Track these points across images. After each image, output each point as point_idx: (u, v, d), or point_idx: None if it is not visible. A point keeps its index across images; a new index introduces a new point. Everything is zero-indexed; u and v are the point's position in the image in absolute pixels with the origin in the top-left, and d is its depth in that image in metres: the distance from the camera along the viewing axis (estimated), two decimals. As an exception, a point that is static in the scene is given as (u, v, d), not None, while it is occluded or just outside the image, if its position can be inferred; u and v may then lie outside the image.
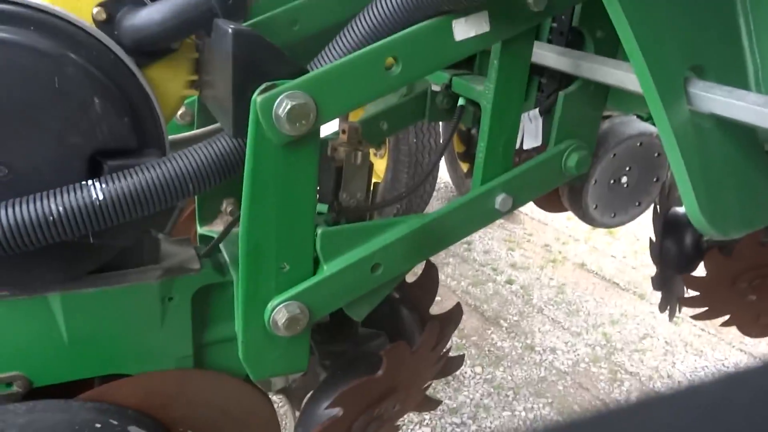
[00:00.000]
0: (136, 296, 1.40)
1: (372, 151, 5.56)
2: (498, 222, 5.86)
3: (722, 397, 0.31)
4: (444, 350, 1.85)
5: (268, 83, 1.14)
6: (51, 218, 1.12)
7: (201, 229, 1.77)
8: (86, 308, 1.37)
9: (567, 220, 5.85)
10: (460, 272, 4.86)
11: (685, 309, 2.42)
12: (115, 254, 1.37)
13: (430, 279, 1.90)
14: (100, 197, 1.15)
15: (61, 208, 1.13)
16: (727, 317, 2.34)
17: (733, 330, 2.42)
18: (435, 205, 5.55)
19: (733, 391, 0.31)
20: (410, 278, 1.82)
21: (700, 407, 0.30)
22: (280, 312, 1.28)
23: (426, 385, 1.89)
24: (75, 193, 1.14)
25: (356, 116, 2.28)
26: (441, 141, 4.64)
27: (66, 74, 1.15)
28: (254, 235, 1.24)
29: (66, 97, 1.16)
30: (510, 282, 4.77)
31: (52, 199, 1.13)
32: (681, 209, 2.30)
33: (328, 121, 1.19)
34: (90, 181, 1.17)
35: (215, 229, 1.74)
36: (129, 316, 1.41)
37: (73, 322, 1.36)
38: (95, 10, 1.28)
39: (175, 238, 1.59)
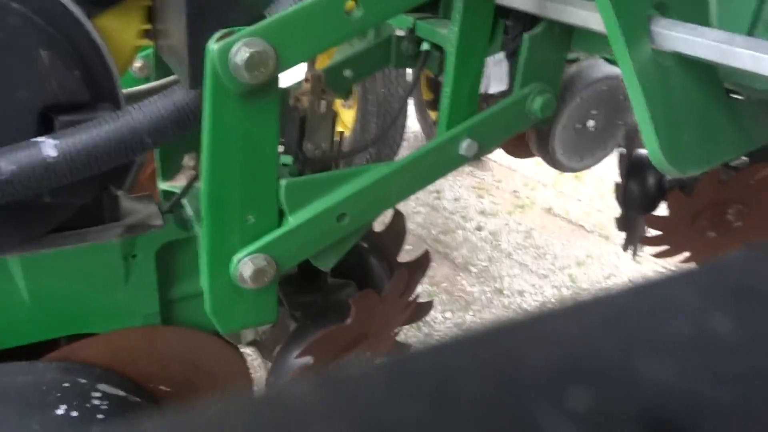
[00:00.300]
0: (97, 255, 1.37)
1: (340, 101, 5.49)
2: (467, 169, 5.89)
3: (625, 307, 0.31)
4: (413, 296, 1.87)
5: (225, 30, 1.09)
6: (2, 177, 1.07)
7: (163, 185, 1.73)
8: (47, 269, 1.34)
9: (536, 165, 5.89)
10: (431, 221, 4.89)
11: (648, 248, 2.48)
12: (73, 213, 1.33)
13: (398, 227, 1.90)
14: (53, 154, 1.10)
15: (12, 167, 1.08)
16: (687, 254, 2.42)
17: (693, 266, 2.50)
18: (404, 153, 5.52)
19: (636, 301, 0.32)
20: (378, 227, 1.83)
21: (600, 318, 0.30)
22: (246, 264, 1.27)
23: (396, 331, 1.93)
24: (26, 150, 1.10)
25: (324, 63, 2.22)
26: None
27: (9, 25, 1.08)
28: (216, 188, 1.22)
29: (10, 49, 1.09)
30: (479, 229, 4.82)
31: (2, 158, 1.08)
32: (645, 151, 2.34)
33: (288, 69, 1.15)
34: (42, 138, 1.12)
35: (178, 184, 1.71)
36: (92, 276, 1.39)
37: (33, 283, 1.33)
38: (36, -45, 1.20)
39: (137, 194, 1.55)
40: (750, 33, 1.06)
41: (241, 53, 1.07)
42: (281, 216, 1.33)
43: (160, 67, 1.61)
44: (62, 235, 1.35)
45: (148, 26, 1.34)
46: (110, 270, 1.40)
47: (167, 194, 1.71)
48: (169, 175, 1.76)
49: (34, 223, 1.29)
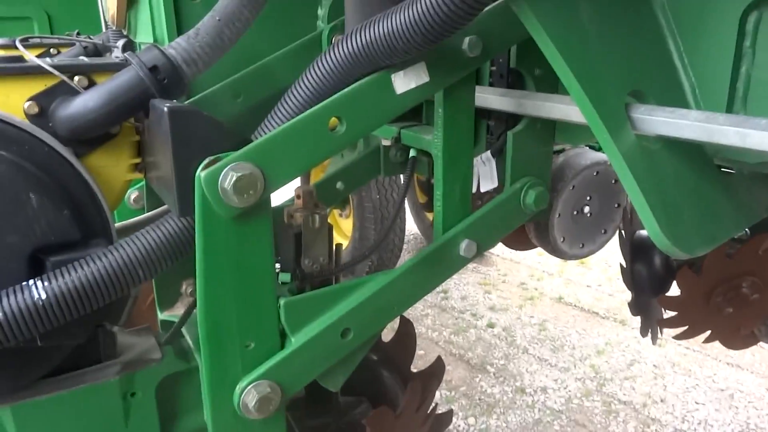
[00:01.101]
0: (95, 397, 1.31)
1: (337, 211, 5.54)
2: (471, 266, 5.85)
3: None
4: (430, 408, 1.77)
5: (212, 157, 1.11)
6: (-11, 326, 1.04)
7: (162, 315, 1.69)
8: (41, 417, 1.27)
9: (538, 255, 5.87)
10: (440, 322, 4.79)
11: (666, 329, 2.40)
12: (68, 354, 1.29)
13: (407, 335, 1.84)
14: (43, 296, 1.08)
15: (0, 314, 1.05)
16: (708, 333, 2.32)
17: (717, 344, 2.40)
18: (406, 257, 5.52)
19: None
20: (387, 336, 1.77)
21: None
22: (249, 393, 1.21)
23: (417, 448, 1.81)
24: (15, 295, 1.07)
25: (319, 176, 2.26)
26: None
27: (-2, 173, 1.10)
28: (213, 315, 1.18)
29: (-1, 196, 1.10)
30: (491, 325, 4.71)
31: (-11, 306, 1.06)
32: (645, 232, 2.31)
33: (277, 188, 1.15)
34: (31, 281, 1.10)
35: (177, 313, 1.67)
36: (90, 420, 1.32)
37: (27, 434, 1.26)
38: (26, 104, 1.25)
39: (133, 327, 1.51)
40: (729, 110, 1.07)
41: (229, 178, 1.08)
42: (283, 337, 1.28)
43: (152, 198, 1.62)
44: (56, 379, 1.30)
45: (138, 160, 1.37)
46: (109, 411, 1.34)
47: (167, 324, 1.67)
48: (167, 304, 1.72)
49: (27, 369, 1.24)
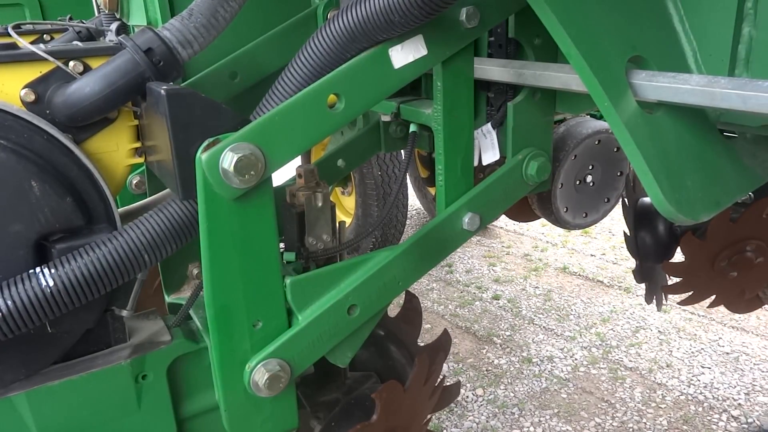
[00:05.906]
0: (106, 380, 1.32)
1: (338, 189, 5.53)
2: (475, 239, 5.86)
3: None
4: (438, 381, 1.79)
5: (211, 139, 1.10)
6: None
7: (169, 298, 1.70)
8: (55, 402, 1.29)
9: (542, 226, 5.88)
10: (446, 296, 4.81)
11: (671, 296, 2.41)
12: (78, 339, 1.30)
13: (413, 310, 1.85)
14: (50, 283, 1.08)
15: (9, 303, 1.06)
16: (712, 298, 2.34)
17: (722, 308, 2.41)
18: (409, 233, 5.53)
19: None
20: (393, 311, 1.78)
21: None
22: (259, 372, 1.22)
23: (426, 420, 1.83)
24: (23, 283, 1.08)
25: (318, 154, 2.26)
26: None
27: (-4, 161, 1.10)
28: (220, 296, 1.19)
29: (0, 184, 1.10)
30: (496, 298, 4.73)
31: (-2, 295, 1.07)
32: (648, 199, 2.31)
33: (278, 168, 1.15)
34: (38, 269, 1.11)
35: (184, 295, 1.68)
36: (102, 403, 1.33)
37: (42, 419, 1.28)
38: (23, 92, 1.24)
39: (141, 311, 1.52)
40: (731, 73, 1.05)
41: (229, 159, 1.07)
42: (290, 316, 1.29)
43: (154, 182, 1.62)
44: (68, 364, 1.32)
45: (137, 144, 1.36)
46: (121, 394, 1.35)
47: (174, 307, 1.68)
48: (173, 287, 1.73)
49: (39, 355, 1.26)
